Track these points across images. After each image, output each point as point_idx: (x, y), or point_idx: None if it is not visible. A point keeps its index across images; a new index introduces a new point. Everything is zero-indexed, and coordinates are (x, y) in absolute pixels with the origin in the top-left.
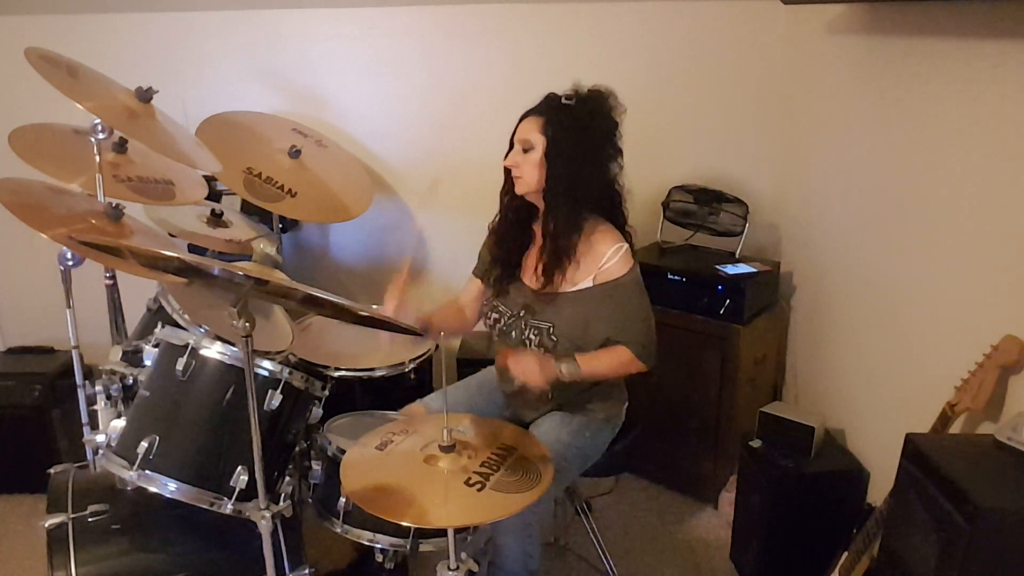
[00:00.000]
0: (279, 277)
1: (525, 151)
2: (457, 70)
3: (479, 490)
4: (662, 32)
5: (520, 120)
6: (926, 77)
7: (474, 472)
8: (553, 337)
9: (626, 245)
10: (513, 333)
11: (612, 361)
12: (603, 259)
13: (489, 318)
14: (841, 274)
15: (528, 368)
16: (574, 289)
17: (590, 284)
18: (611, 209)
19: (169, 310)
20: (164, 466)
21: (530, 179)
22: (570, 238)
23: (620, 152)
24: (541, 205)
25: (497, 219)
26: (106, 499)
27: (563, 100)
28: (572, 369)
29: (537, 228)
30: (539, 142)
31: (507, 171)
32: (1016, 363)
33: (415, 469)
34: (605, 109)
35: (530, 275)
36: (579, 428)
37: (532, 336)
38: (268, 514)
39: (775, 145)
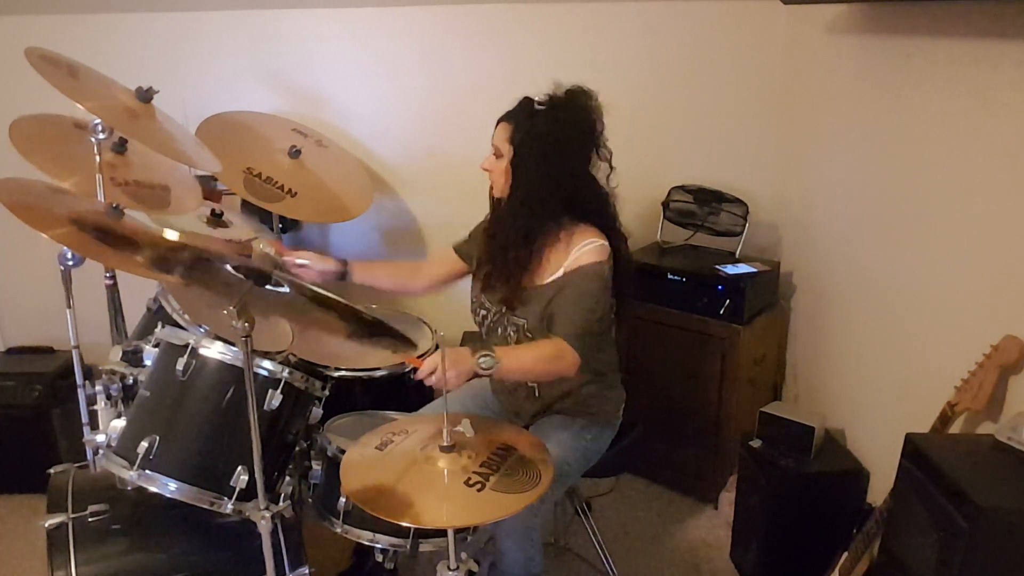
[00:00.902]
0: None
1: (497, 157)
2: (457, 70)
3: (479, 490)
4: (662, 32)
5: (497, 123)
6: (926, 77)
7: (474, 472)
8: (529, 334)
9: (602, 241)
10: (498, 330)
11: (542, 353)
12: (575, 249)
13: (477, 315)
14: (841, 274)
15: (434, 371)
16: (546, 282)
17: (560, 275)
18: (594, 214)
19: (169, 310)
20: (164, 466)
21: (499, 184)
22: (521, 246)
23: (599, 152)
24: None
25: (488, 218)
26: (106, 499)
27: (535, 106)
28: (489, 362)
29: None
30: (507, 151)
31: None
32: (1016, 363)
33: (415, 469)
34: (578, 113)
35: None
36: (580, 430)
37: (512, 333)
38: (268, 514)
39: (775, 145)
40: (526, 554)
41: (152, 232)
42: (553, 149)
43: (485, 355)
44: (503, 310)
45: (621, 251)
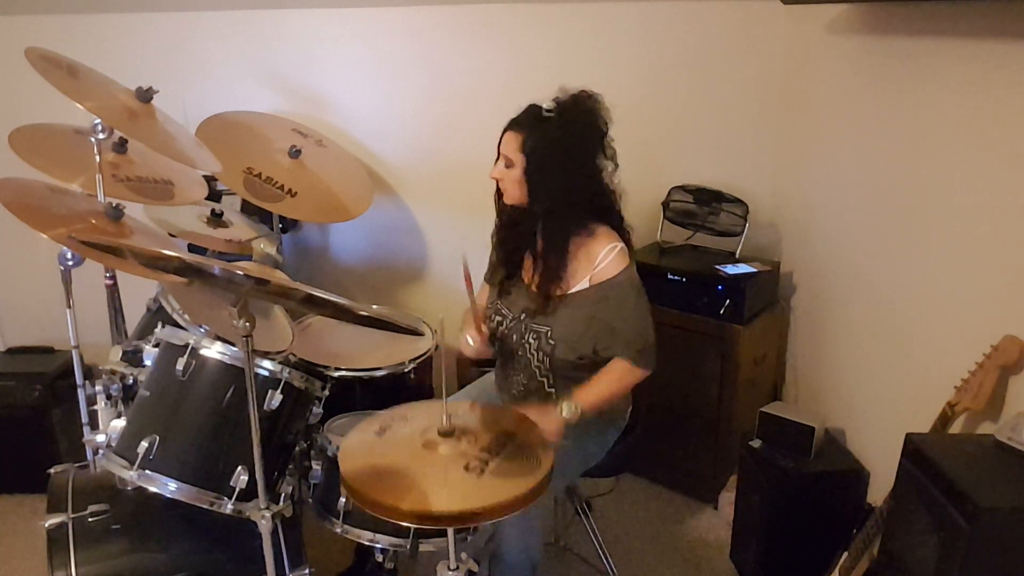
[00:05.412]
0: (279, 277)
1: (507, 167)
2: (457, 70)
3: (478, 475)
4: (662, 32)
5: (504, 132)
6: (926, 77)
7: (473, 458)
8: (551, 341)
9: (620, 244)
10: (514, 336)
11: (611, 380)
12: (597, 260)
13: (492, 320)
14: (841, 274)
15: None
16: (570, 292)
17: (586, 286)
18: (605, 212)
19: (169, 310)
20: (164, 466)
21: (514, 193)
22: (558, 255)
23: (609, 154)
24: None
25: (495, 225)
26: (106, 499)
27: (544, 112)
28: (572, 409)
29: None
30: (519, 161)
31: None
32: (1016, 363)
33: (414, 454)
34: (587, 117)
35: (529, 277)
36: (583, 429)
37: (531, 340)
38: (268, 514)
39: (775, 145)
40: (526, 541)
41: (134, 246)
42: (569, 156)
43: (566, 404)
44: (522, 317)
45: (630, 245)
